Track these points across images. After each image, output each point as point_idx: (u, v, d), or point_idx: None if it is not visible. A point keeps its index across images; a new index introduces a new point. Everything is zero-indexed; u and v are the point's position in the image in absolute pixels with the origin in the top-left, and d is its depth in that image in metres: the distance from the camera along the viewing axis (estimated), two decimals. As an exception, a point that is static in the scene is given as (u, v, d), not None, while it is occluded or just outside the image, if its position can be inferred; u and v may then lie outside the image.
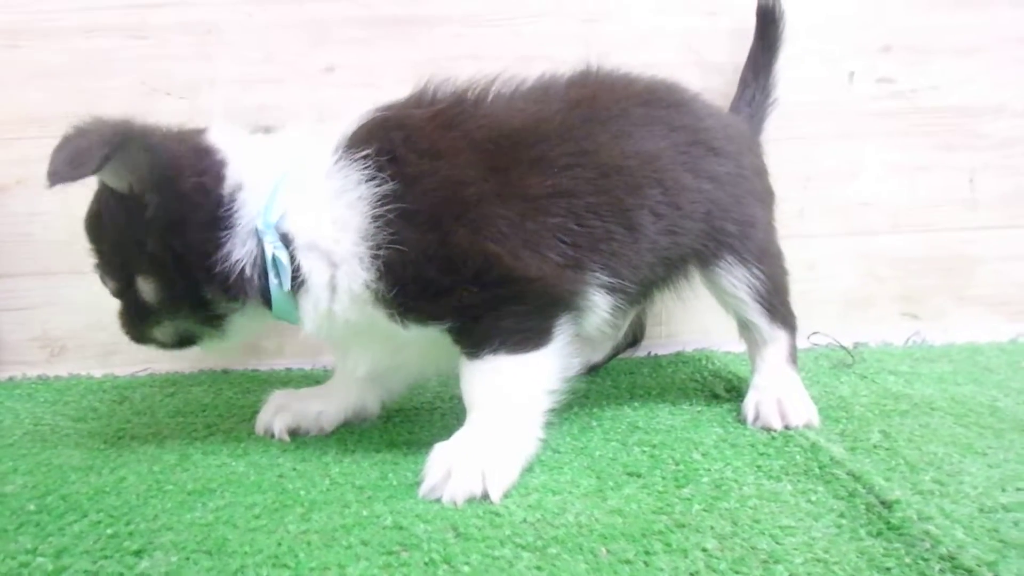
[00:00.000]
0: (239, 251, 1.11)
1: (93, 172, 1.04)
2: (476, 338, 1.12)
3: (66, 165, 1.01)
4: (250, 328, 1.24)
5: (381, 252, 1.07)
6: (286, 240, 1.10)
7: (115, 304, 1.73)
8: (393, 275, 1.08)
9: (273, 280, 1.12)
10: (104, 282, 1.23)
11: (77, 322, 1.73)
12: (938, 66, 1.80)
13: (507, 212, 1.10)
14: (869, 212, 1.82)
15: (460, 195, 1.09)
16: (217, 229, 1.11)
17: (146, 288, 1.17)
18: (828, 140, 1.79)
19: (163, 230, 1.12)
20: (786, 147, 1.73)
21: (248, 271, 1.12)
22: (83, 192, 1.65)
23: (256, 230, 1.11)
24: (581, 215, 1.14)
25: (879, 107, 1.79)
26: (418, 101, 1.19)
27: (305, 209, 1.11)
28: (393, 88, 1.19)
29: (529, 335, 1.11)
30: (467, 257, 1.07)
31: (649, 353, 1.79)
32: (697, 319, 1.49)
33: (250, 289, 1.13)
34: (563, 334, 1.14)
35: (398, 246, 1.06)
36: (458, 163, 1.11)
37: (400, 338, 1.15)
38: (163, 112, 1.65)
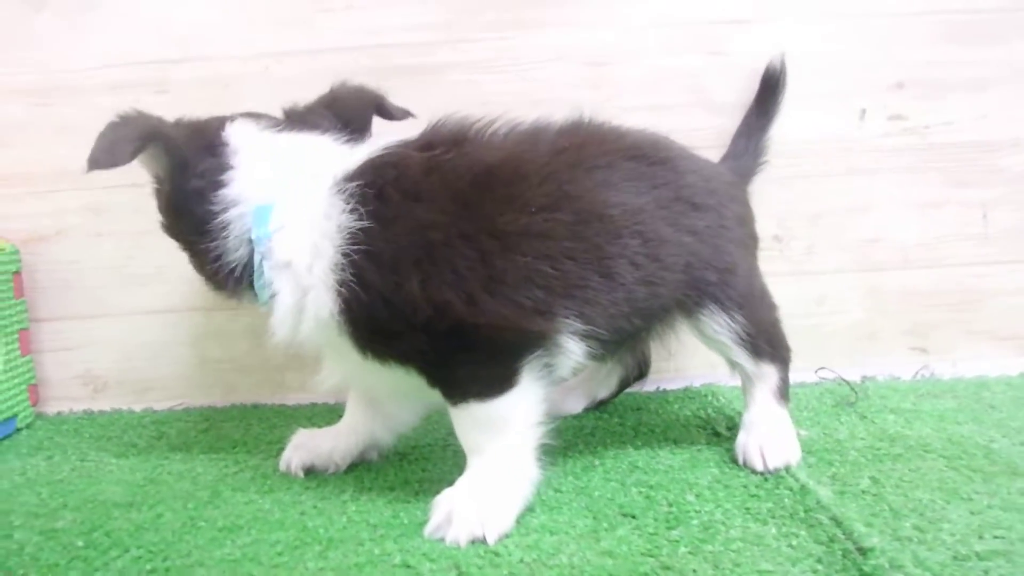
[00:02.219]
0: (232, 255, 1.19)
1: (125, 163, 1.14)
2: (443, 386, 1.17)
3: (104, 154, 1.12)
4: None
5: (344, 286, 1.11)
6: (268, 254, 1.17)
7: (147, 343, 1.83)
8: (351, 311, 1.12)
9: (258, 285, 1.19)
10: None
11: (115, 360, 1.84)
12: (952, 102, 1.81)
13: (471, 252, 1.11)
14: (879, 248, 1.83)
15: (426, 238, 1.11)
16: (213, 232, 1.19)
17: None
18: (838, 177, 1.81)
19: (171, 217, 1.26)
20: (796, 185, 1.77)
21: (239, 273, 1.20)
22: (115, 245, 1.79)
23: (250, 239, 1.18)
24: (556, 258, 1.15)
25: (891, 144, 1.81)
26: (424, 141, 1.21)
27: (293, 228, 1.16)
28: (402, 135, 1.24)
29: (490, 382, 1.14)
30: (417, 306, 1.09)
31: (658, 388, 1.82)
32: (705, 353, 1.52)
33: (238, 288, 1.22)
34: (531, 370, 1.15)
35: (359, 284, 1.10)
36: (433, 207, 1.13)
37: (371, 364, 1.18)
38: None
